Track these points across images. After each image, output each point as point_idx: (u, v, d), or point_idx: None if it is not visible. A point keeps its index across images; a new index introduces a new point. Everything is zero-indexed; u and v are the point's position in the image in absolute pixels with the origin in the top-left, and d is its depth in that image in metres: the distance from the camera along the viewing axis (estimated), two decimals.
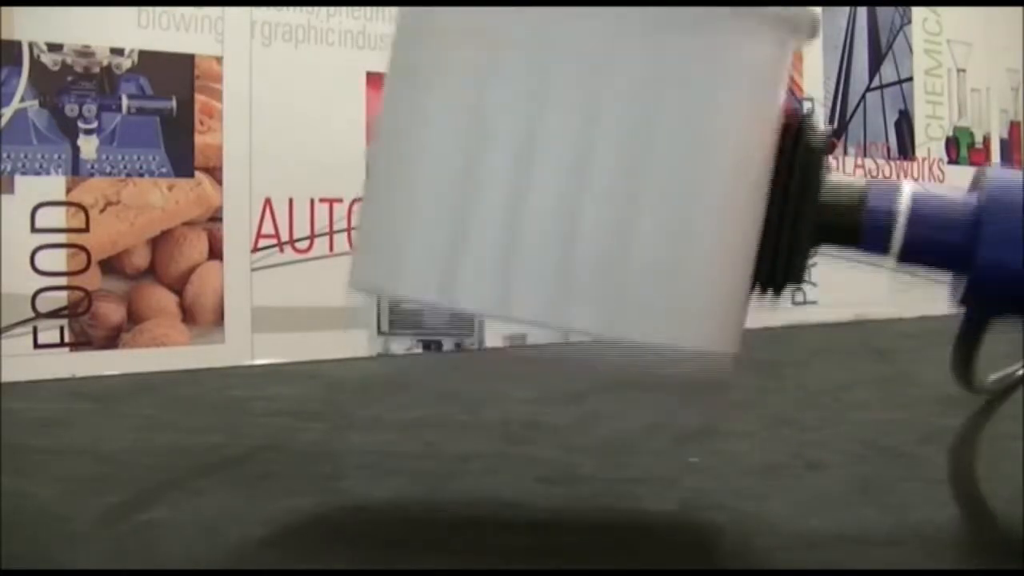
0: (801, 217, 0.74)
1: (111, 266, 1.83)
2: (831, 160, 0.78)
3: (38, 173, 1.77)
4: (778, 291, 0.77)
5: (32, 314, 1.76)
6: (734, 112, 0.70)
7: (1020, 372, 1.06)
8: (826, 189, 0.76)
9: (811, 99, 2.78)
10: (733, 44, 0.69)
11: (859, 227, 0.76)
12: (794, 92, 2.74)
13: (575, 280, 0.69)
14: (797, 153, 0.74)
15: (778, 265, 0.75)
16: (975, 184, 0.80)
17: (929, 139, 3.04)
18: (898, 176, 2.95)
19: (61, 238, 1.79)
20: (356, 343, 1.91)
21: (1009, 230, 0.73)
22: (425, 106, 0.73)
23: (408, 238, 0.73)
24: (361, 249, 0.80)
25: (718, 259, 0.71)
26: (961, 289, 0.77)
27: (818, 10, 0.78)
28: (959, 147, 3.11)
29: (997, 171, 0.79)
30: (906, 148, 2.99)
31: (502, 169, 0.69)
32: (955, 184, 3.00)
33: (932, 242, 0.76)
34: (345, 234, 2.01)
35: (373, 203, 0.79)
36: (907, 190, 0.77)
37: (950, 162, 3.08)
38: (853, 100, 2.90)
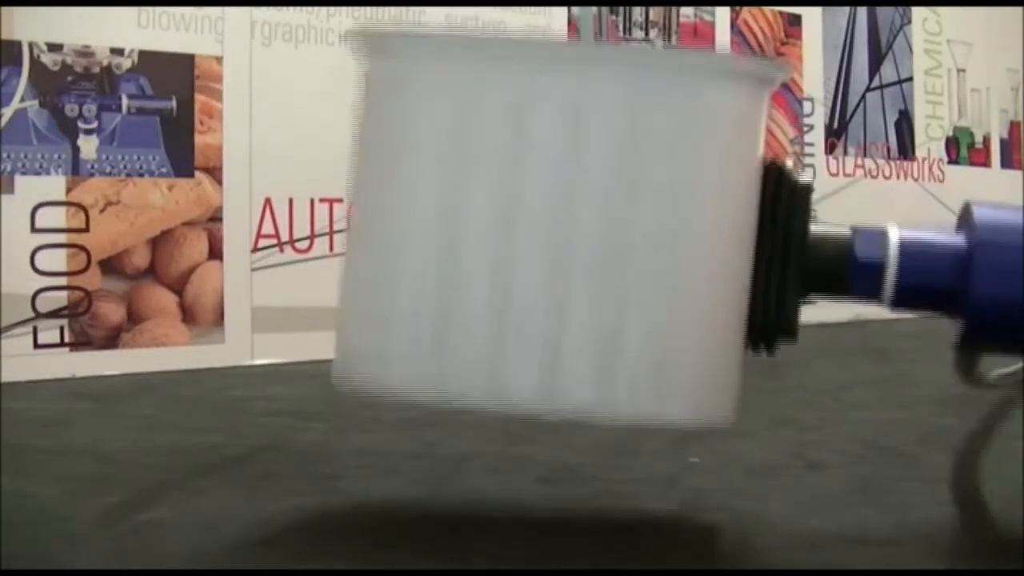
0: (788, 269, 0.73)
1: (111, 266, 1.83)
2: (814, 206, 0.77)
3: (38, 173, 1.77)
4: (771, 346, 0.76)
5: (32, 314, 1.76)
6: (714, 167, 0.69)
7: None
8: (811, 240, 0.75)
9: (811, 99, 2.78)
10: (708, 98, 0.68)
11: (848, 279, 0.76)
12: (794, 93, 2.74)
13: (566, 361, 0.68)
14: (780, 203, 0.73)
15: (768, 320, 0.74)
16: (962, 221, 0.80)
17: (929, 139, 3.04)
18: (898, 176, 2.95)
19: (61, 238, 1.79)
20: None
21: (1001, 270, 0.73)
22: (402, 187, 0.71)
23: (395, 331, 0.71)
24: (344, 344, 0.79)
25: (708, 327, 0.69)
26: (958, 330, 0.77)
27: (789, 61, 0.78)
28: (959, 147, 3.11)
29: (984, 210, 0.78)
30: (906, 148, 2.99)
31: (485, 251, 0.67)
32: (955, 184, 3.00)
33: (924, 288, 0.76)
34: (345, 234, 2.01)
35: (354, 294, 0.78)
36: (894, 237, 0.76)
37: (950, 162, 3.08)
38: (853, 100, 2.89)
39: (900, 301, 0.77)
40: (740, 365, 0.75)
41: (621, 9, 2.45)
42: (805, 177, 0.77)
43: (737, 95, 0.70)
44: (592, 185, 0.69)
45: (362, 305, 0.77)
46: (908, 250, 0.76)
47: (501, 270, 0.69)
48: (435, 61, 0.73)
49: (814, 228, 0.77)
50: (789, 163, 0.76)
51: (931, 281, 0.77)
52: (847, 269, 0.77)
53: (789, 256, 0.74)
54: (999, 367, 1.06)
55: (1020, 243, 0.74)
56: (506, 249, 0.69)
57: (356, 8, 2.07)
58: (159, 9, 1.86)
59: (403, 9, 2.11)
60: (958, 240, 0.77)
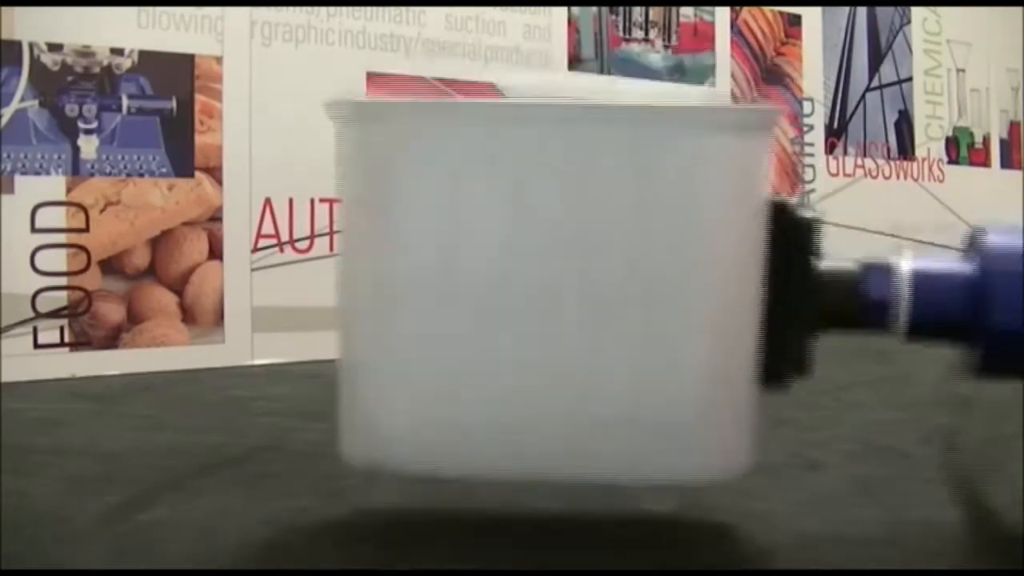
0: (797, 311, 0.73)
1: (111, 266, 1.83)
2: (824, 241, 0.76)
3: (38, 173, 1.77)
4: (784, 385, 0.76)
5: (32, 314, 1.76)
6: (715, 219, 0.68)
7: None
8: (820, 280, 0.75)
9: (811, 99, 2.78)
10: (705, 152, 0.68)
11: (859, 317, 0.76)
12: (794, 93, 2.74)
13: (580, 432, 0.68)
14: (785, 245, 0.73)
15: (779, 363, 0.73)
16: (970, 246, 0.79)
17: (929, 139, 3.04)
18: (898, 176, 2.95)
19: (61, 238, 1.79)
20: None
21: (1018, 299, 0.72)
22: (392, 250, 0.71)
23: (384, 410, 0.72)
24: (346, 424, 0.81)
25: (714, 375, 0.69)
26: (975, 361, 0.76)
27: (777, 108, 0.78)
28: (959, 147, 3.11)
29: (994, 235, 0.78)
30: (906, 148, 2.99)
31: (478, 306, 0.67)
32: (955, 184, 3.00)
33: (938, 322, 0.75)
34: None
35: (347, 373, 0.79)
36: (905, 270, 0.75)
37: (950, 162, 3.08)
38: (853, 100, 2.89)
39: (914, 335, 0.77)
40: (751, 414, 0.75)
41: (621, 9, 2.44)
42: (810, 213, 0.76)
43: (735, 147, 0.70)
44: (590, 239, 0.69)
45: (366, 379, 0.78)
46: (920, 285, 0.75)
47: (494, 323, 0.69)
48: (432, 128, 0.73)
49: (822, 266, 0.76)
50: (793, 200, 0.75)
51: (946, 314, 0.76)
52: (858, 308, 0.77)
53: (797, 299, 0.74)
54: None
55: None
56: (500, 302, 0.69)
57: (356, 8, 2.07)
58: (159, 9, 1.86)
59: (403, 9, 2.11)
60: (971, 268, 0.76)
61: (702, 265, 0.69)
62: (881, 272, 0.77)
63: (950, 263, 0.78)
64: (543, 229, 0.67)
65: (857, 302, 0.76)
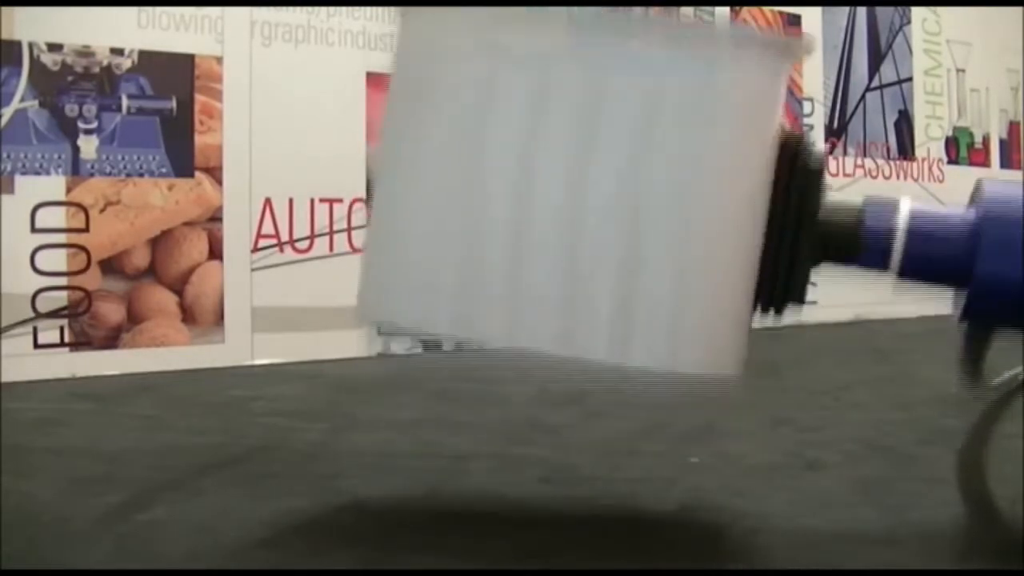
0: (800, 237, 0.76)
1: (111, 266, 1.83)
2: (827, 177, 0.80)
3: (38, 173, 1.77)
4: (780, 310, 0.78)
5: (32, 314, 1.76)
6: (729, 138, 0.72)
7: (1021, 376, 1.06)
8: (824, 209, 0.77)
9: (811, 99, 2.78)
10: (728, 70, 0.72)
11: (858, 245, 0.77)
12: (794, 93, 2.74)
13: (581, 311, 0.72)
14: (795, 173, 0.76)
15: (778, 284, 0.76)
16: (973, 197, 0.81)
17: (929, 139, 3.04)
18: (898, 176, 2.95)
19: (61, 238, 1.79)
20: (356, 343, 1.91)
21: (1008, 244, 0.73)
22: (428, 137, 0.77)
23: (418, 271, 0.77)
24: (369, 282, 0.83)
25: (717, 285, 0.73)
26: (962, 304, 0.78)
27: (812, 36, 0.86)
28: (959, 147, 3.11)
29: (994, 185, 0.79)
30: (906, 148, 2.99)
31: (504, 201, 0.73)
32: (955, 184, 3.00)
33: (931, 258, 0.77)
34: (345, 234, 2.01)
35: (378, 234, 0.82)
36: (904, 207, 0.77)
37: (950, 162, 3.08)
38: (853, 100, 2.90)
39: (907, 270, 0.79)
40: (748, 324, 0.79)
41: (621, 9, 2.45)
42: (818, 150, 0.80)
43: (753, 69, 0.75)
44: (610, 150, 0.74)
45: (387, 249, 0.81)
46: (917, 220, 0.78)
47: (523, 224, 0.74)
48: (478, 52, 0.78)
49: (826, 198, 0.79)
50: (805, 136, 0.79)
51: (939, 251, 0.79)
52: (857, 237, 0.79)
53: (801, 224, 0.77)
54: (1002, 372, 1.06)
55: None
56: (527, 205, 0.73)
57: (356, 8, 2.07)
58: (159, 9, 1.86)
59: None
60: (967, 213, 0.79)
61: (710, 175, 0.73)
62: (882, 208, 0.79)
63: (949, 208, 0.80)
64: (565, 137, 0.74)
65: (856, 234, 0.79)
